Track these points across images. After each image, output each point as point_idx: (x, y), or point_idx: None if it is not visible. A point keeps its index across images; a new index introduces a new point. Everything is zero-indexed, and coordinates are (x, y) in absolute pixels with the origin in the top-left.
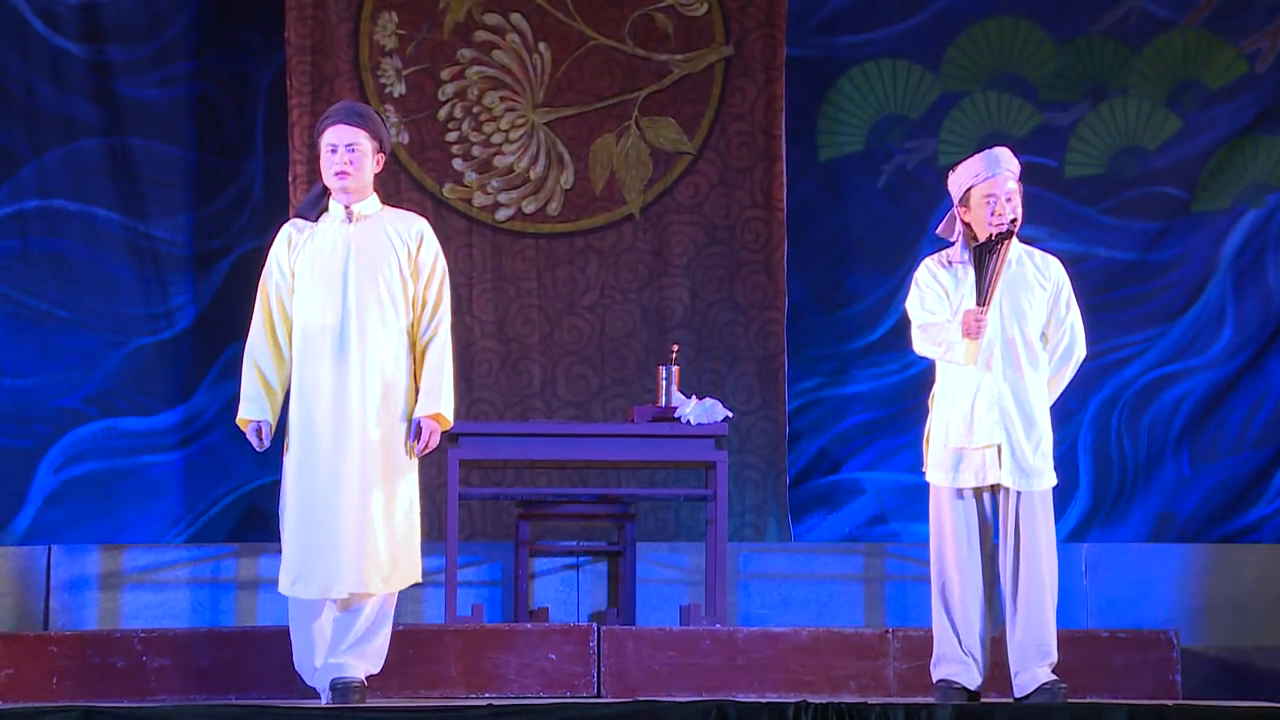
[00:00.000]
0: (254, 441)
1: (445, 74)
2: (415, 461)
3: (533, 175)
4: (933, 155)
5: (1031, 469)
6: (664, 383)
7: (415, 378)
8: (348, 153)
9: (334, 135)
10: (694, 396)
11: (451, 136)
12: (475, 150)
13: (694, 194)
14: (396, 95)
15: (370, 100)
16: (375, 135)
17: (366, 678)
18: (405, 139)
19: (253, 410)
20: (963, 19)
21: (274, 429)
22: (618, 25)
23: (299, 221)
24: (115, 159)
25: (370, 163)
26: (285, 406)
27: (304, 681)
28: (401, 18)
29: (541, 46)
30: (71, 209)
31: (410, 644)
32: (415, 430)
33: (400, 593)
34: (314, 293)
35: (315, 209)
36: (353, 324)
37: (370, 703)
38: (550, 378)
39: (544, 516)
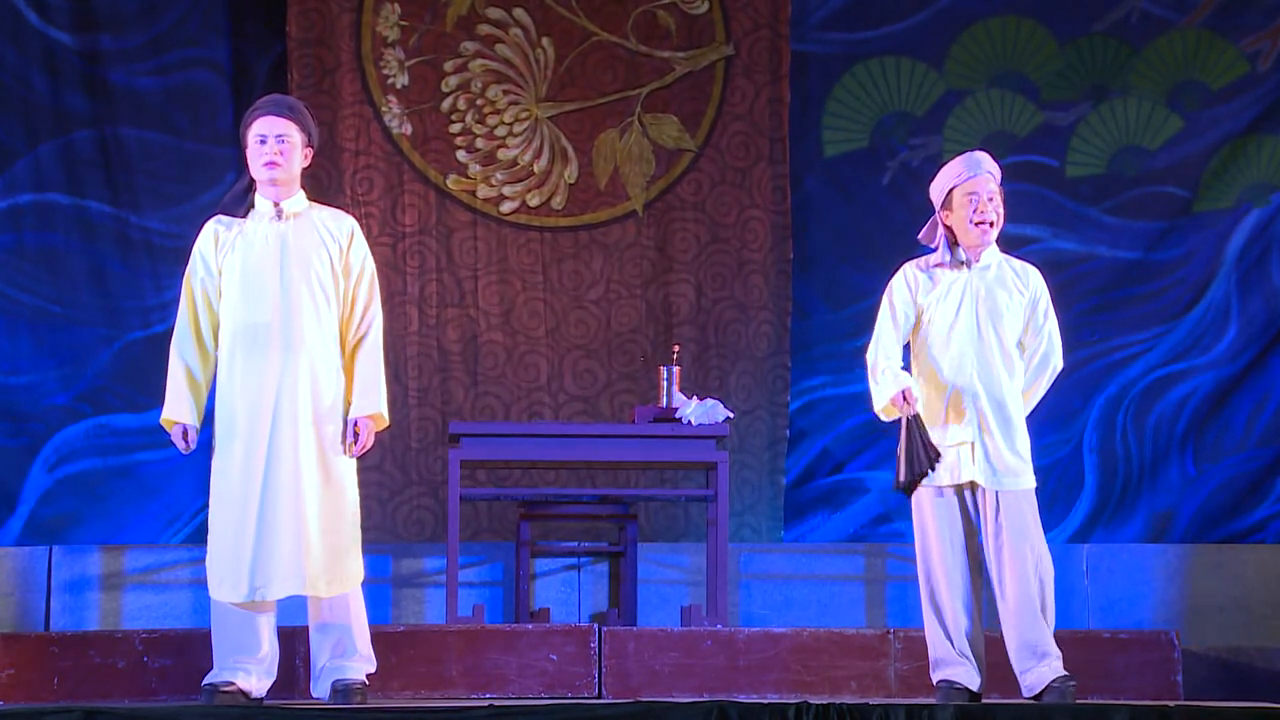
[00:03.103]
0: (179, 444)
1: (448, 66)
2: (354, 462)
3: (537, 169)
4: (937, 153)
5: (1004, 468)
6: (665, 383)
7: (347, 375)
8: (277, 143)
9: (263, 126)
10: (695, 397)
11: (455, 128)
12: (479, 143)
13: (696, 191)
14: (399, 86)
15: (373, 91)
16: (304, 129)
17: (366, 676)
18: (408, 130)
19: (180, 411)
20: (965, 17)
21: (198, 431)
22: (620, 21)
23: (224, 218)
24: (108, 150)
25: (299, 156)
26: (210, 408)
27: (209, 681)
28: (404, 9)
29: (544, 41)
30: (64, 202)
31: (411, 644)
32: (352, 430)
33: (401, 593)
34: (245, 291)
35: (241, 205)
36: (287, 322)
37: (371, 703)
38: (557, 371)
39: (545, 517)
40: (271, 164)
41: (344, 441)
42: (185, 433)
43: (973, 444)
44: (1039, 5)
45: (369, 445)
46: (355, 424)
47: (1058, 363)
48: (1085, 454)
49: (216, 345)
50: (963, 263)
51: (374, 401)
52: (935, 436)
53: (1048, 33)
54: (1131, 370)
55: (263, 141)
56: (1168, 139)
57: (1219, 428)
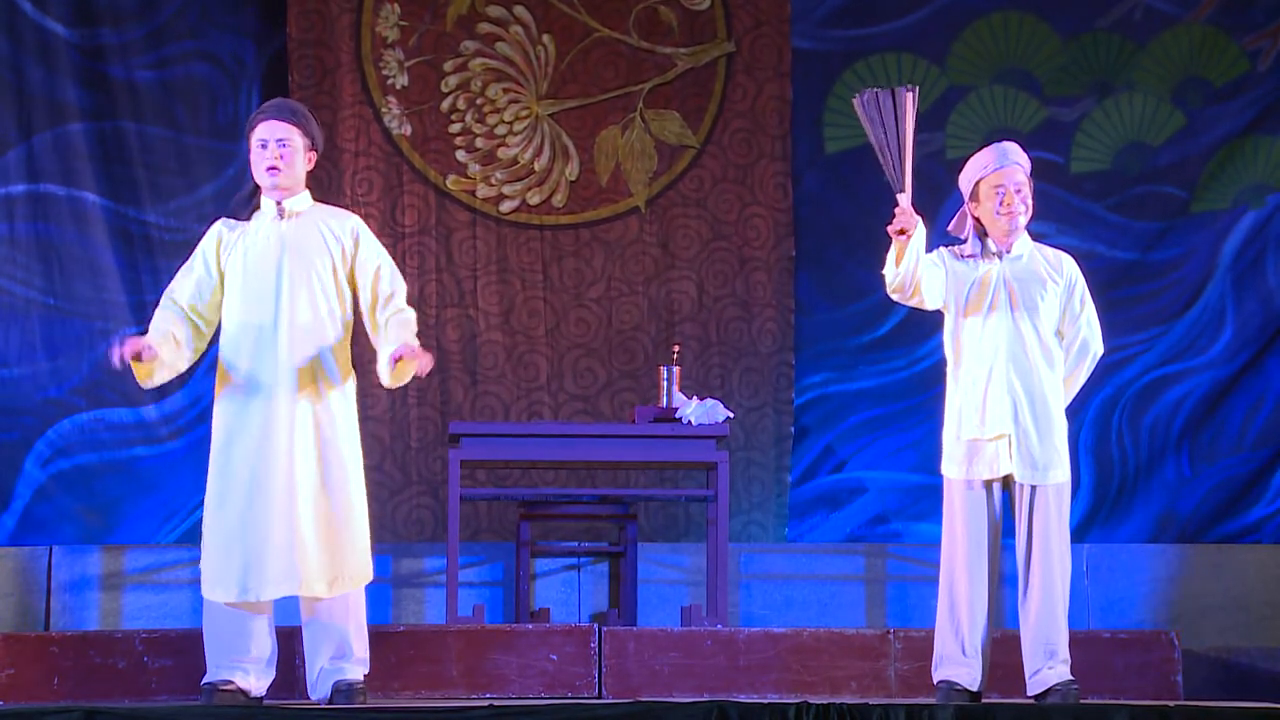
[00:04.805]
0: (122, 349)
1: (448, 65)
2: (359, 461)
3: (537, 167)
4: (940, 149)
5: (1041, 462)
6: (665, 383)
7: (379, 338)
8: (279, 148)
9: (265, 131)
10: (695, 397)
11: (455, 128)
12: (479, 142)
13: (698, 188)
14: (399, 87)
15: (372, 92)
16: (307, 133)
17: (364, 677)
18: (408, 130)
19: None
20: (968, 13)
21: (143, 345)
22: (622, 18)
23: (230, 221)
24: (106, 143)
25: (302, 159)
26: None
27: (208, 680)
28: (404, 9)
29: (545, 38)
30: (59, 194)
31: (411, 644)
32: (394, 360)
33: (401, 593)
34: (247, 291)
35: (246, 208)
36: (287, 322)
37: (371, 703)
38: (557, 370)
39: (545, 517)
40: (273, 169)
41: (394, 365)
42: (138, 348)
43: (1009, 438)
44: (1041, 2)
45: (420, 352)
46: (400, 351)
47: (1098, 349)
48: (1081, 454)
49: (196, 333)
50: (994, 254)
51: (406, 337)
52: (974, 430)
53: (1050, 29)
54: (1128, 371)
55: (264, 146)
56: (1171, 136)
57: (1215, 429)
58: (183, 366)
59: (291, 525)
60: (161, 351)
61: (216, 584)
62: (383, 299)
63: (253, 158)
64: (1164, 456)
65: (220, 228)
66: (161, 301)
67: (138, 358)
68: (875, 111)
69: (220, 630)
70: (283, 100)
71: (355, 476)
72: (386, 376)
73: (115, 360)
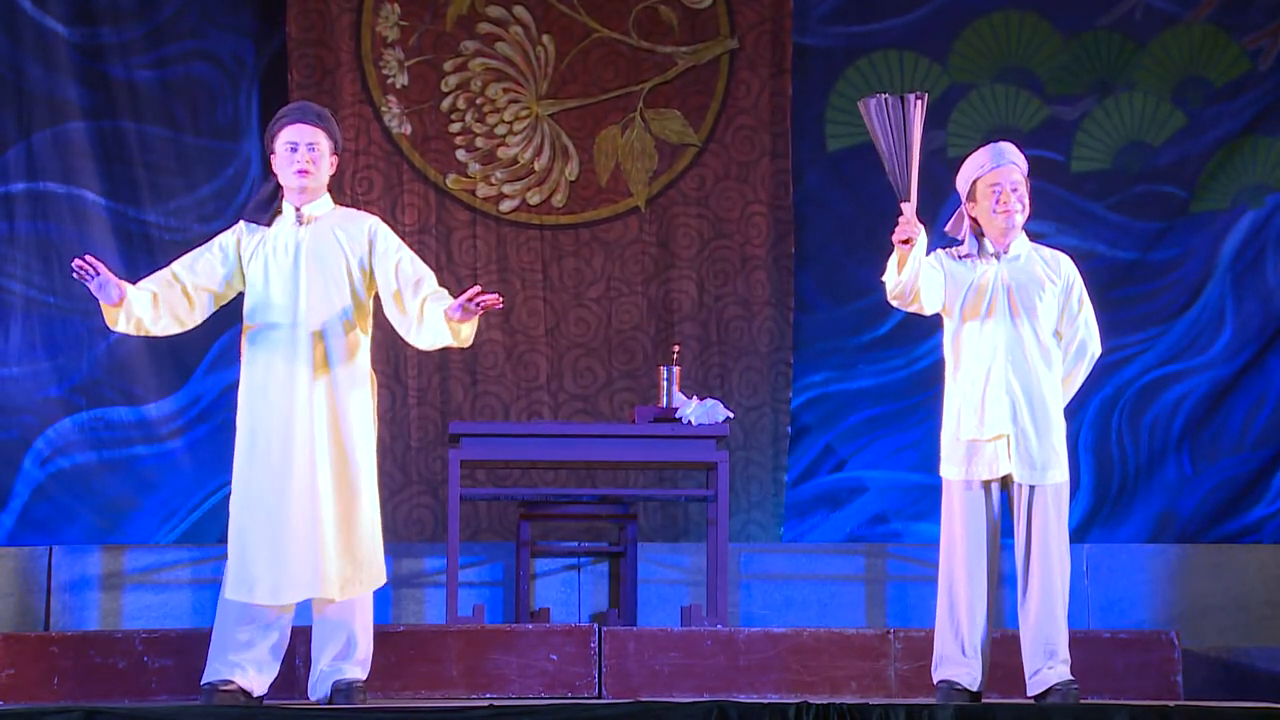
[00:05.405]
0: (89, 269)
1: (448, 65)
2: (374, 466)
3: (537, 167)
4: (941, 147)
5: (1039, 462)
6: (665, 383)
7: (421, 317)
8: (308, 151)
9: (293, 134)
10: (695, 397)
11: (455, 128)
12: (479, 141)
13: (699, 187)
14: (399, 86)
15: (372, 91)
16: (332, 136)
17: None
18: (408, 130)
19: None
20: (969, 12)
21: (112, 286)
22: (622, 17)
23: (251, 225)
24: (105, 142)
25: (327, 163)
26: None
27: (207, 680)
28: (404, 9)
29: (545, 38)
30: (59, 192)
31: (411, 644)
32: (461, 306)
33: (401, 593)
34: (267, 296)
35: (267, 212)
36: (304, 327)
37: (371, 703)
38: (557, 370)
39: (545, 517)
40: (303, 172)
41: (467, 305)
42: (107, 283)
43: (1008, 438)
44: (1042, 0)
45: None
46: (458, 309)
47: (1095, 349)
48: (1081, 454)
49: (186, 304)
50: (991, 254)
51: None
52: (972, 431)
53: (1051, 27)
54: (1127, 371)
55: (293, 149)
56: (1171, 135)
57: (1215, 429)
58: (152, 328)
59: (314, 527)
60: (130, 296)
61: (243, 585)
62: (410, 284)
63: (279, 161)
64: (1164, 456)
65: (242, 228)
66: (158, 271)
67: (107, 295)
68: (883, 117)
69: (231, 628)
70: (306, 104)
71: (369, 480)
72: (446, 334)
73: (79, 270)
